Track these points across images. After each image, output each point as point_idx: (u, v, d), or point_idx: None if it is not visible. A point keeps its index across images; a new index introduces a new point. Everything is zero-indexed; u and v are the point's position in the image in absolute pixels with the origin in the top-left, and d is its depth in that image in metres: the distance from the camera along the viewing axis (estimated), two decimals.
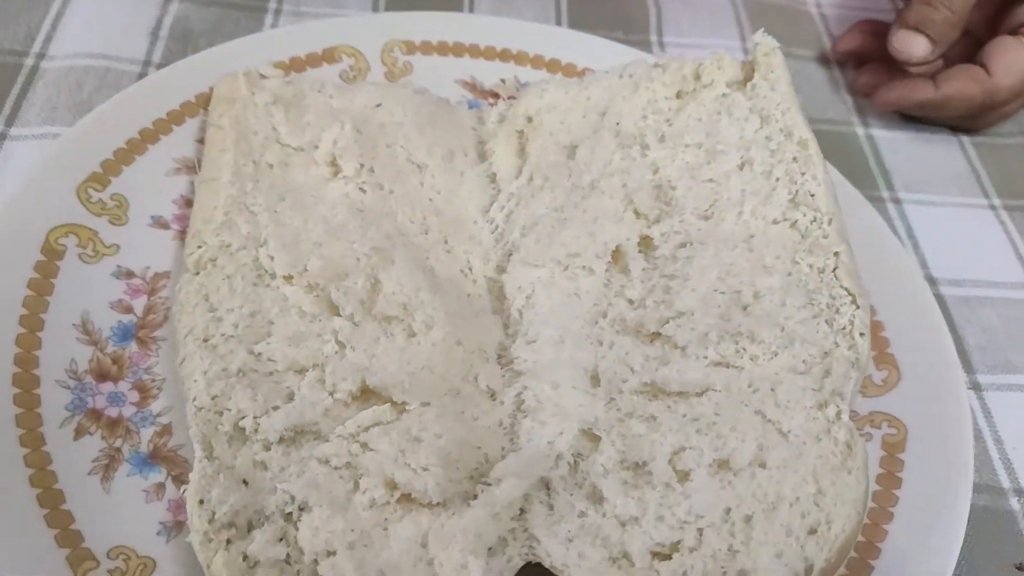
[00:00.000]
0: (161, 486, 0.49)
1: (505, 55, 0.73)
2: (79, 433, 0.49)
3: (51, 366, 0.51)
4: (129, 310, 0.55)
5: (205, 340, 0.51)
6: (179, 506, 0.48)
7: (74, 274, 0.55)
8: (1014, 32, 0.74)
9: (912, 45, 0.73)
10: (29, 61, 0.71)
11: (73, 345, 0.52)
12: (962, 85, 0.73)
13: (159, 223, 0.59)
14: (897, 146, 0.78)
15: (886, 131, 0.79)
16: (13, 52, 0.71)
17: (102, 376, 0.51)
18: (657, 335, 0.52)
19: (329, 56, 0.70)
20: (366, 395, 0.50)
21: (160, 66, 0.72)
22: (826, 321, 0.51)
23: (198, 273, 0.54)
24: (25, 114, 0.67)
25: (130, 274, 0.56)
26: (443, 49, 0.72)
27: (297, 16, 0.79)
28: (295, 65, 0.68)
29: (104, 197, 0.58)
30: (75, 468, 0.48)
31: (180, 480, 0.49)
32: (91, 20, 0.74)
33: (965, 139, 0.80)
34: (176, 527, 0.47)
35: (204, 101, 0.64)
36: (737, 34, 0.86)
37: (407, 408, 0.49)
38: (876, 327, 0.58)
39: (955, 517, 0.50)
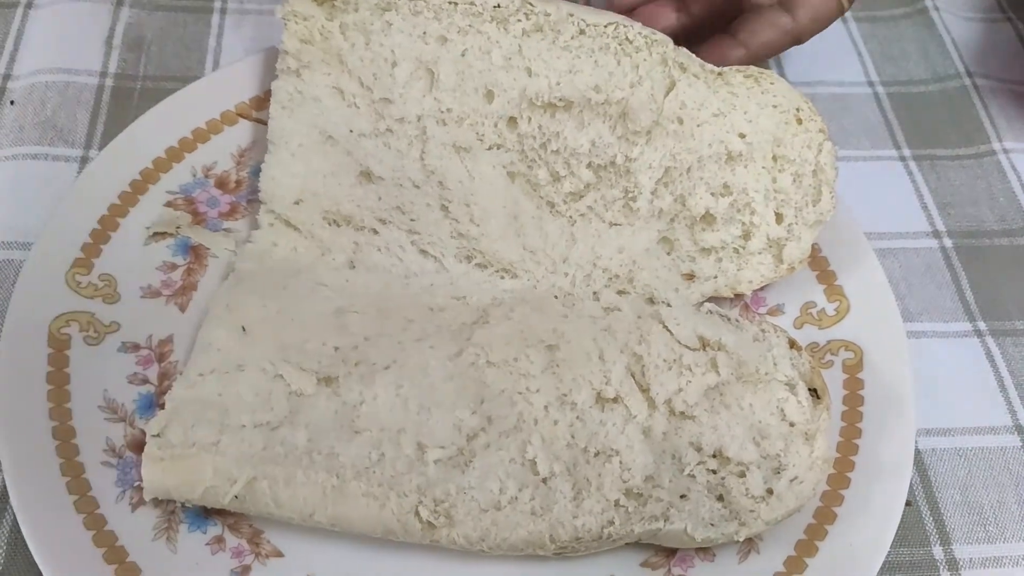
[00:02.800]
0: (220, 538, 0.54)
1: None
2: (135, 505, 0.53)
3: (90, 449, 0.55)
4: (145, 381, 0.59)
5: None
6: (241, 551, 0.53)
7: (84, 358, 0.58)
8: None
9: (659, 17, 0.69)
10: None
11: (104, 425, 0.56)
12: (768, 37, 0.66)
13: (150, 292, 0.62)
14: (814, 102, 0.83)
15: (805, 88, 0.83)
16: None
17: (140, 448, 0.55)
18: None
19: None
20: None
21: (117, 76, 0.75)
22: None
23: None
24: None
25: (135, 347, 0.60)
26: None
27: (242, 14, 0.82)
28: None
29: (92, 280, 0.61)
30: (141, 538, 0.52)
31: (235, 529, 0.54)
32: (48, 35, 0.77)
33: (880, 90, 0.83)
34: (243, 571, 0.52)
35: (161, 165, 0.66)
36: None
37: None
38: (822, 262, 0.65)
39: (906, 420, 0.59)
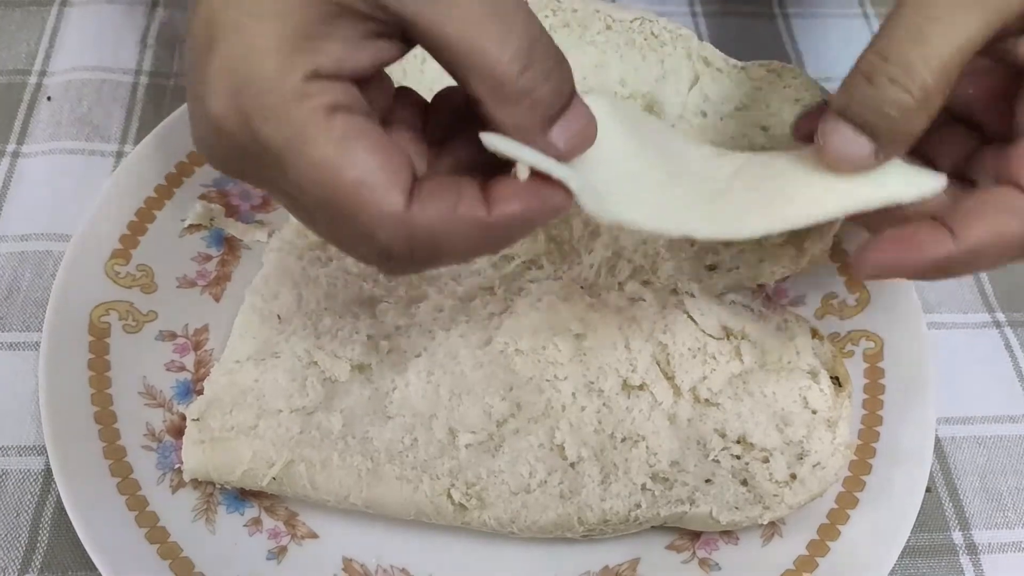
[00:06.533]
0: (257, 519, 0.55)
1: None
2: (175, 488, 0.55)
3: (131, 434, 0.56)
4: (182, 368, 0.60)
5: None
6: (277, 533, 0.55)
7: (124, 346, 0.60)
8: None
9: (843, 142, 0.43)
10: (32, 79, 0.76)
11: (144, 411, 0.58)
12: (994, 226, 0.42)
13: (185, 282, 0.64)
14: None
15: (826, 84, 0.85)
16: (17, 71, 0.76)
17: (178, 433, 0.57)
18: None
19: None
20: None
21: (151, 74, 0.78)
22: None
23: None
24: (33, 131, 0.73)
25: (172, 335, 0.62)
26: None
27: None
28: None
29: (131, 270, 0.63)
30: (181, 519, 0.54)
31: (272, 511, 0.56)
32: (84, 34, 0.79)
33: None
34: (280, 551, 0.54)
35: (196, 159, 0.68)
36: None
37: None
38: (842, 254, 0.66)
39: (926, 408, 0.60)
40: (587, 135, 0.41)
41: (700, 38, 0.68)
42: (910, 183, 0.44)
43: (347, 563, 0.54)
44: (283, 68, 0.36)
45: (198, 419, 0.54)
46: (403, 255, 0.39)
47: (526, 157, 0.39)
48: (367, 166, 0.37)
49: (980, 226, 0.42)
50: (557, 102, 0.40)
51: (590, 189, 0.41)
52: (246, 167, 0.39)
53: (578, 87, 0.60)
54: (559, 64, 0.40)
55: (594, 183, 0.41)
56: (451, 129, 0.42)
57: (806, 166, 0.45)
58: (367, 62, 0.38)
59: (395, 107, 0.43)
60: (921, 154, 0.48)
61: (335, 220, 0.38)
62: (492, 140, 0.39)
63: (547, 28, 0.60)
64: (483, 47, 0.37)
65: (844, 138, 0.43)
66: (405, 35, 0.39)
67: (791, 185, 0.45)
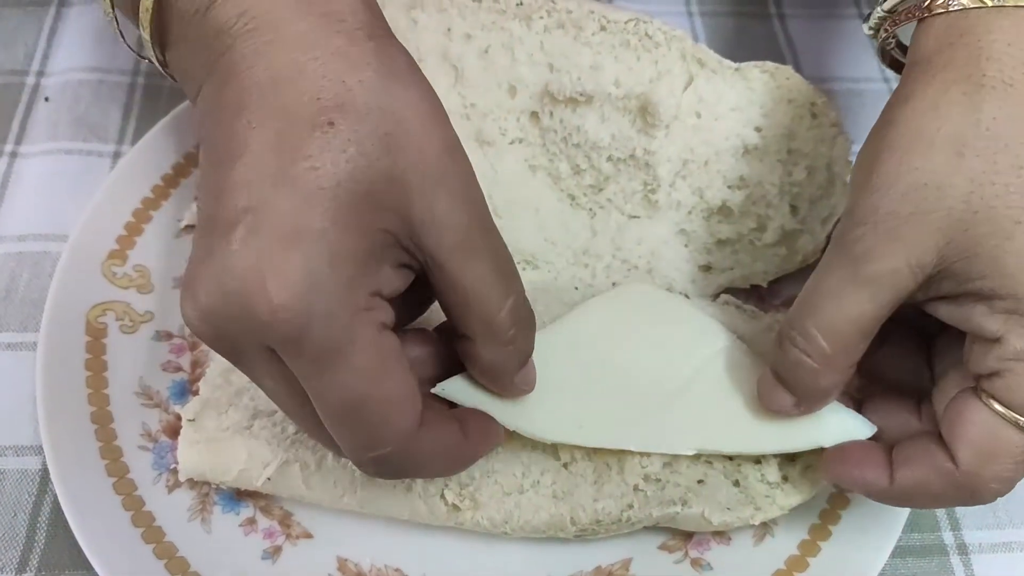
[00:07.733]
0: (252, 519, 0.56)
1: None
2: (171, 488, 0.55)
3: (127, 434, 0.57)
4: (179, 369, 0.61)
5: None
6: (272, 532, 0.55)
7: (120, 346, 0.60)
8: (978, 381, 0.46)
9: (771, 395, 0.50)
10: (30, 80, 0.77)
11: (140, 411, 0.58)
12: (921, 477, 0.47)
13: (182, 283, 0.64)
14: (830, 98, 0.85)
15: (821, 84, 0.83)
16: (15, 72, 0.77)
17: (174, 433, 0.57)
18: None
19: None
20: None
21: (148, 75, 0.78)
22: None
23: None
24: (31, 132, 0.73)
25: (168, 335, 0.62)
26: None
27: None
28: None
29: (127, 271, 0.63)
30: (176, 518, 0.54)
31: (267, 511, 0.56)
32: (82, 34, 0.79)
33: (895, 86, 0.83)
34: (274, 551, 0.54)
35: (192, 160, 0.68)
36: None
37: None
38: None
39: None
40: (533, 382, 0.50)
41: (696, 38, 0.69)
42: (839, 430, 0.51)
43: (341, 563, 0.54)
44: (355, 281, 0.39)
45: (194, 419, 0.55)
46: (393, 467, 0.44)
47: (473, 404, 0.49)
48: (401, 385, 0.42)
49: (910, 477, 0.48)
50: (528, 353, 0.48)
51: (532, 420, 0.51)
52: (256, 354, 0.41)
53: (571, 89, 0.61)
54: (533, 323, 0.47)
55: (537, 411, 0.51)
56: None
57: (748, 398, 0.52)
58: (401, 287, 0.43)
59: None
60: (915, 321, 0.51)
61: (350, 421, 0.41)
62: (444, 390, 0.49)
63: (542, 29, 0.62)
64: (488, 298, 0.43)
65: (772, 391, 0.50)
66: (422, 268, 0.43)
67: (731, 415, 0.53)
